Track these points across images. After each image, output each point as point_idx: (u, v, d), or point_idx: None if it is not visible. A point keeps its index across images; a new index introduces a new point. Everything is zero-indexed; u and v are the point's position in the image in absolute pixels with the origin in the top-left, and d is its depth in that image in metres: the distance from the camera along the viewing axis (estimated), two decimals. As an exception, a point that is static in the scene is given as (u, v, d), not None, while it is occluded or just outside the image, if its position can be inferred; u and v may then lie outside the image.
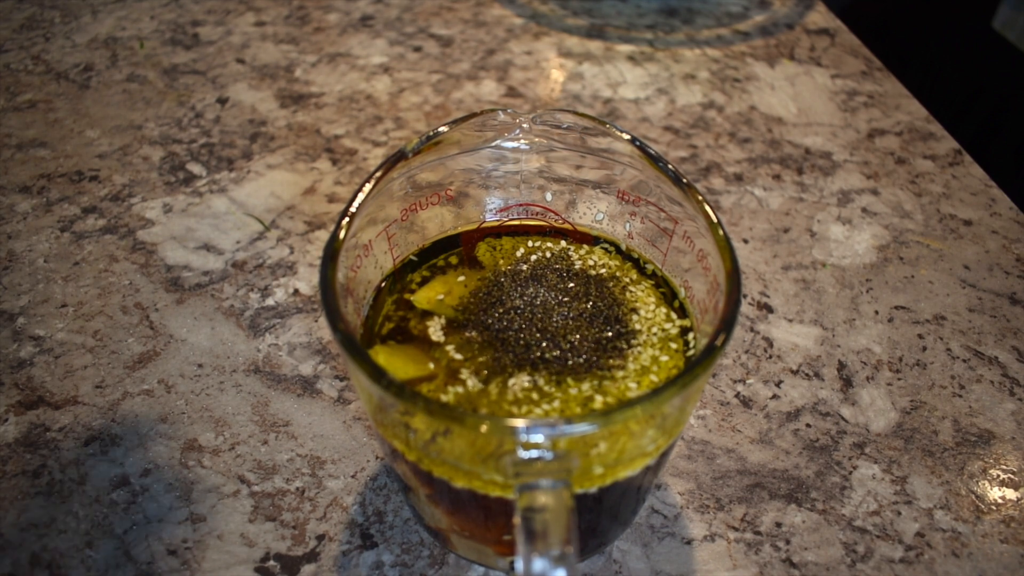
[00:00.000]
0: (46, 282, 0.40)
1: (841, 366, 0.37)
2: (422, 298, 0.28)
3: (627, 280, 0.29)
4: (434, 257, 0.30)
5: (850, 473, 0.33)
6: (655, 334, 0.27)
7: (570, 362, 0.25)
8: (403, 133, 0.51)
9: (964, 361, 0.38)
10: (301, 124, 0.52)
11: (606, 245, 0.31)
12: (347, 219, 0.25)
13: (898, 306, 0.40)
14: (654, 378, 0.25)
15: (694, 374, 0.21)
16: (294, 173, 0.47)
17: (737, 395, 0.36)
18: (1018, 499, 0.32)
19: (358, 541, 0.30)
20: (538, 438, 0.20)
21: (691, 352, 0.26)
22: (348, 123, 0.52)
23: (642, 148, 0.27)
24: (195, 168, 0.48)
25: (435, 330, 0.27)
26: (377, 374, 0.21)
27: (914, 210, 0.46)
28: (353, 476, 0.32)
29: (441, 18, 0.65)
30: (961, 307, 0.40)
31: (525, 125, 0.29)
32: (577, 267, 0.29)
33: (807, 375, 0.37)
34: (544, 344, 0.26)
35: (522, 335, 0.26)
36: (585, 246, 0.30)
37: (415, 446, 0.23)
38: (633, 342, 0.26)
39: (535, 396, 0.24)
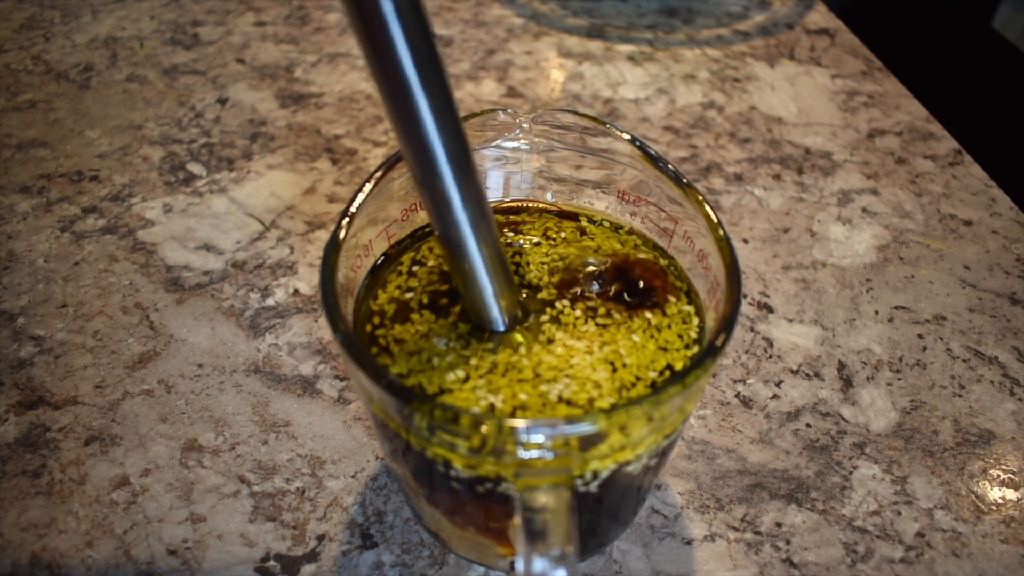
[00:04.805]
0: (46, 282, 0.40)
1: (841, 366, 0.37)
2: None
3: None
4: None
5: (850, 473, 0.33)
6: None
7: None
8: (403, 133, 0.51)
9: (964, 361, 0.38)
10: (301, 124, 0.52)
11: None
12: (347, 219, 0.25)
13: (898, 306, 0.40)
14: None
15: (695, 374, 0.21)
16: (294, 173, 0.47)
17: (737, 395, 0.36)
18: (1018, 499, 0.32)
19: (358, 541, 0.30)
20: (538, 438, 0.20)
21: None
22: (348, 123, 0.52)
23: (642, 148, 0.27)
24: (195, 168, 0.48)
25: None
26: (377, 374, 0.21)
27: (914, 210, 0.46)
28: (353, 476, 0.32)
29: (441, 18, 0.65)
30: (961, 307, 0.40)
31: (525, 125, 0.29)
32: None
33: (807, 375, 0.37)
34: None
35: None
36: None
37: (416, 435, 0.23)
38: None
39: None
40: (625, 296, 0.27)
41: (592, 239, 0.29)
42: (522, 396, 0.24)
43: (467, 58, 0.59)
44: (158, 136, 0.50)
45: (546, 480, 0.21)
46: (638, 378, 0.24)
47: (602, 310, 0.26)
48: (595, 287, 0.27)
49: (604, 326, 0.26)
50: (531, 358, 0.25)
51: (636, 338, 0.26)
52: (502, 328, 0.25)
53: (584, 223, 0.30)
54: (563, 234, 0.30)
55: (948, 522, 0.31)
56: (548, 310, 0.26)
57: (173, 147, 0.49)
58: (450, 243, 0.23)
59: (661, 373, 0.25)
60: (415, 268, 0.28)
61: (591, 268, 0.28)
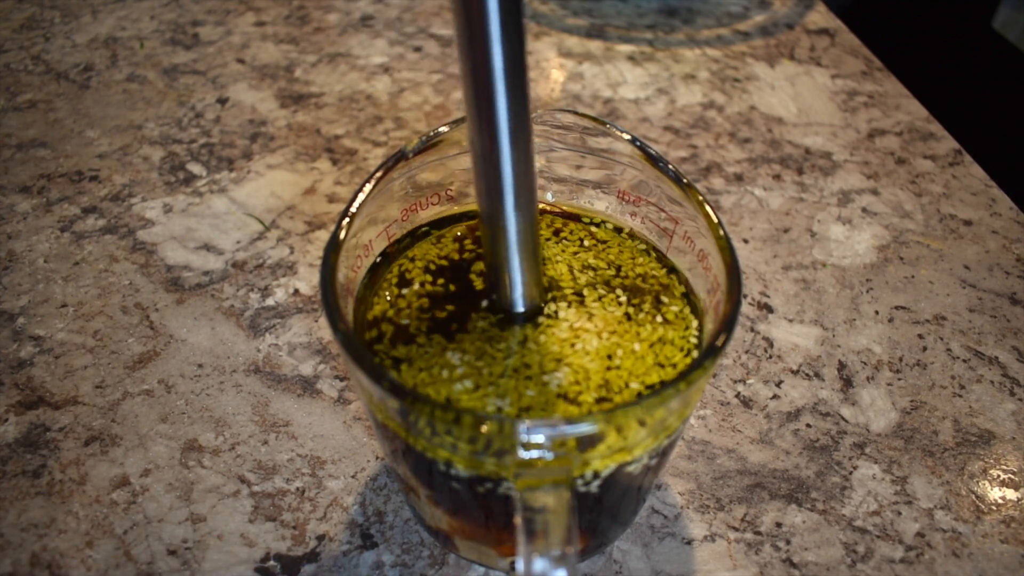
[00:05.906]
0: (46, 282, 0.40)
1: (841, 366, 0.37)
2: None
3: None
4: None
5: (850, 473, 0.33)
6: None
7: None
8: (403, 133, 0.51)
9: (964, 361, 0.38)
10: (301, 124, 0.52)
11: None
12: (347, 219, 0.25)
13: (898, 306, 0.40)
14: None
15: (695, 375, 0.21)
16: (294, 173, 0.47)
17: (737, 395, 0.36)
18: (1018, 499, 0.32)
19: (358, 541, 0.30)
20: (538, 438, 0.20)
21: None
22: (348, 123, 0.52)
23: (642, 148, 0.27)
24: (195, 168, 0.48)
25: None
26: (377, 374, 0.21)
27: (914, 210, 0.46)
28: (353, 476, 0.32)
29: (441, 18, 0.65)
30: (961, 307, 0.40)
31: (525, 125, 0.29)
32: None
33: (807, 375, 0.37)
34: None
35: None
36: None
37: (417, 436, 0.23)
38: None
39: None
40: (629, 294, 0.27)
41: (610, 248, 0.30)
42: (529, 393, 0.24)
43: (467, 58, 0.59)
44: (158, 136, 0.50)
45: (546, 480, 0.21)
46: (632, 372, 0.25)
47: (610, 298, 0.27)
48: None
49: (611, 320, 0.26)
50: (541, 350, 0.25)
51: (638, 347, 0.26)
52: (522, 309, 0.26)
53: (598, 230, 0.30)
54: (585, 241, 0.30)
55: (948, 522, 0.31)
56: (561, 295, 0.27)
57: (173, 147, 0.49)
58: (493, 222, 0.23)
59: (657, 368, 0.25)
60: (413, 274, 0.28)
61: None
